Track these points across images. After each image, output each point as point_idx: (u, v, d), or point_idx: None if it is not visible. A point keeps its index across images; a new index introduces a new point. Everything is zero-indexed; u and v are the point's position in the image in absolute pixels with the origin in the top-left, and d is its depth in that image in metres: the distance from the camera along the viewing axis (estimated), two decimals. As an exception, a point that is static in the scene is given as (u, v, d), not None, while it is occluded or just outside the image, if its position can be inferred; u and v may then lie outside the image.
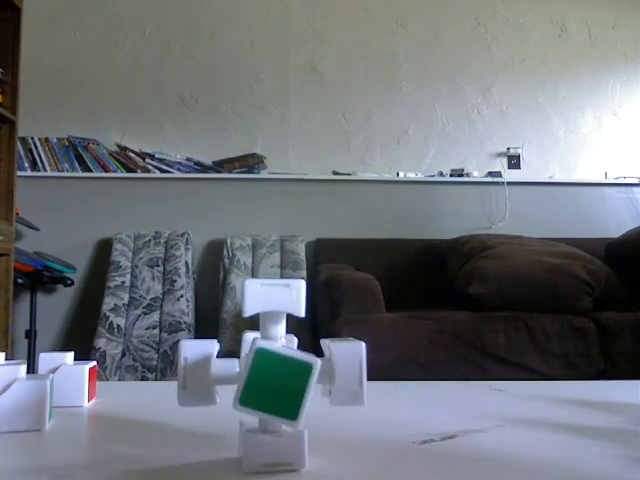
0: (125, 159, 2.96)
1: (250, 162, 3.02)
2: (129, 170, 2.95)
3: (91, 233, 2.95)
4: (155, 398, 0.69)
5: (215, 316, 2.79)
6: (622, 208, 3.20)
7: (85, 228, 2.95)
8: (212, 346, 0.44)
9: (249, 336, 0.51)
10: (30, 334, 2.63)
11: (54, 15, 3.09)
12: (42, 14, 3.08)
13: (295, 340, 0.50)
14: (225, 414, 0.58)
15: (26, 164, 2.91)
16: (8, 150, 2.30)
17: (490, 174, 3.14)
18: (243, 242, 2.87)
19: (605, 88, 3.32)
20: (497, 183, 3.13)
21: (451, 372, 1.87)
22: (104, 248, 2.92)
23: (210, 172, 3.00)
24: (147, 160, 2.96)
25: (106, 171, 2.94)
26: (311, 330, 2.59)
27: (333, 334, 1.89)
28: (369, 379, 0.46)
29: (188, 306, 2.66)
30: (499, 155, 3.23)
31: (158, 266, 2.76)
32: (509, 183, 3.13)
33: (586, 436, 0.51)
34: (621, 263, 2.39)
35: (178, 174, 2.97)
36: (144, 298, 2.67)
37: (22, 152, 2.90)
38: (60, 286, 2.88)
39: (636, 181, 3.21)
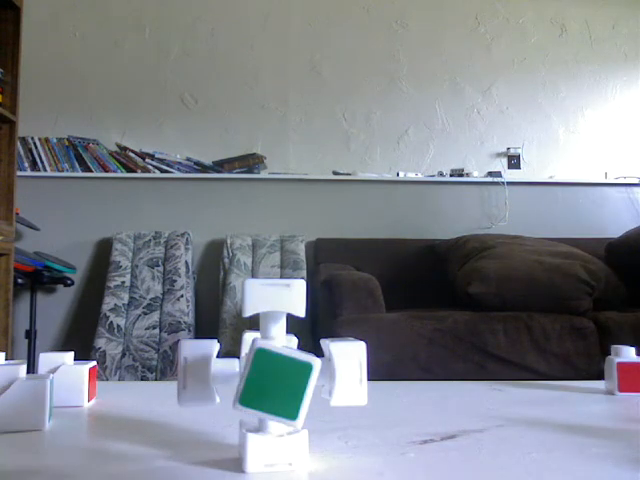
0: (125, 159, 2.96)
1: (250, 162, 3.02)
2: (129, 170, 2.95)
3: (91, 233, 2.95)
4: (155, 398, 0.69)
5: (215, 316, 2.79)
6: (622, 208, 3.20)
7: (85, 228, 2.95)
8: (212, 346, 0.44)
9: (249, 336, 0.51)
10: (30, 334, 2.63)
11: (54, 15, 3.09)
12: (42, 14, 3.08)
13: (295, 340, 0.50)
14: (225, 414, 0.58)
15: (26, 164, 2.91)
16: (8, 150, 2.30)
17: (490, 174, 3.14)
18: (243, 242, 2.87)
19: (605, 88, 3.32)
20: (497, 183, 3.13)
21: (451, 372, 1.87)
22: (104, 248, 2.92)
23: (210, 172, 3.00)
24: (147, 160, 2.96)
25: (106, 171, 2.94)
26: (311, 330, 2.59)
27: (333, 334, 1.89)
28: (369, 379, 0.46)
29: (188, 306, 2.66)
30: (499, 155, 3.23)
31: (158, 266, 2.76)
32: (509, 183, 3.13)
33: (586, 436, 0.51)
34: (621, 263, 2.39)
35: (178, 174, 2.97)
36: (144, 298, 2.67)
37: (22, 152, 2.90)
38: (60, 286, 2.88)
39: (636, 181, 3.21)
